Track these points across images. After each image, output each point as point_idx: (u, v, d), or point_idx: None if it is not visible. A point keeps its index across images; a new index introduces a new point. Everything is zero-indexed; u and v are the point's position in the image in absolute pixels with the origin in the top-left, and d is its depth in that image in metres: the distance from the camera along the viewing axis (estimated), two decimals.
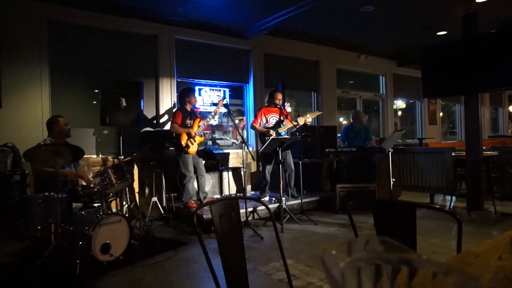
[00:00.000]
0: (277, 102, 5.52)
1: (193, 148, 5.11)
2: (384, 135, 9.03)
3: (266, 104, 5.73)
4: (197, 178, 5.27)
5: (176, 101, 6.05)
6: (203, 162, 5.38)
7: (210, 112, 5.81)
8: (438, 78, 5.74)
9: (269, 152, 5.03)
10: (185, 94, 5.27)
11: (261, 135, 5.57)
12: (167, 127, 5.85)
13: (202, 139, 5.32)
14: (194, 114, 5.29)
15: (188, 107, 5.22)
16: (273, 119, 5.59)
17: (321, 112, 6.15)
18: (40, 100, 4.97)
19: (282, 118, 5.58)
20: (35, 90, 4.95)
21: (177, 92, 6.14)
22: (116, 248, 3.34)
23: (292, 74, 7.44)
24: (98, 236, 3.21)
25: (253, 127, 5.73)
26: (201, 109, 6.25)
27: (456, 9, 5.77)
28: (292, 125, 5.42)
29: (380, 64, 9.10)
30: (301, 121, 5.31)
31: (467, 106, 5.75)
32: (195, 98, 5.40)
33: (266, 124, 5.56)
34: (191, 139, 5.08)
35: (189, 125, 5.15)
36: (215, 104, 5.23)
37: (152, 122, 5.87)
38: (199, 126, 5.18)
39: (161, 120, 5.96)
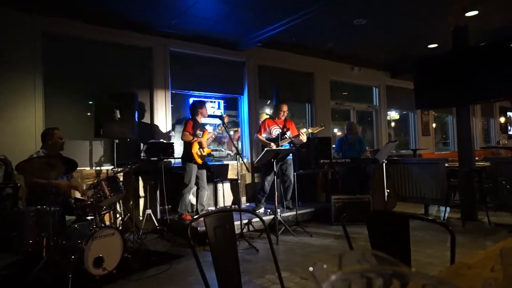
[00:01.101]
0: (282, 114, 5.57)
1: (201, 159, 5.16)
2: (378, 146, 9.09)
3: (272, 116, 5.80)
4: (197, 189, 5.26)
5: (171, 113, 6.07)
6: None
7: (205, 124, 5.84)
8: (430, 90, 5.82)
9: (270, 164, 5.02)
10: (198, 105, 5.34)
11: (263, 147, 5.57)
12: (172, 139, 5.86)
13: (209, 150, 5.41)
14: (203, 126, 5.37)
15: (199, 118, 5.28)
16: (276, 130, 5.61)
17: (323, 128, 5.74)
18: (33, 112, 4.95)
19: (285, 130, 5.60)
20: (29, 101, 4.93)
21: (171, 104, 6.16)
22: (109, 261, 3.29)
23: (287, 86, 7.51)
24: (91, 250, 3.17)
25: (258, 139, 5.73)
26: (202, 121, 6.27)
27: (446, 22, 5.89)
28: (295, 138, 5.44)
29: (374, 75, 9.21)
30: (303, 138, 5.36)
31: (459, 117, 5.83)
32: (206, 110, 5.47)
33: (269, 136, 5.59)
34: (201, 149, 5.13)
35: (199, 136, 5.21)
36: (219, 117, 5.23)
37: (147, 133, 5.86)
38: (207, 139, 5.22)
39: (156, 132, 5.96)
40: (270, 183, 5.57)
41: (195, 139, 5.13)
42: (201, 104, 5.38)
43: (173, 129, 6.26)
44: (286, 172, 5.60)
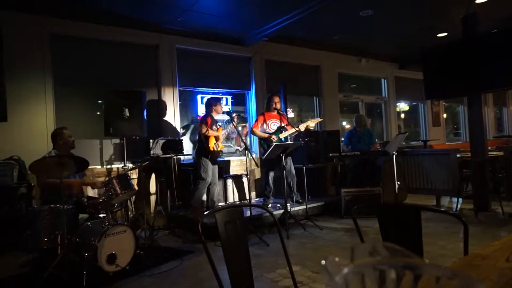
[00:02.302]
0: (275, 106, 5.52)
1: (217, 154, 5.21)
2: (387, 138, 9.00)
3: (266, 110, 5.73)
4: (209, 185, 5.29)
5: (179, 110, 6.10)
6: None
7: (217, 120, 5.86)
8: (440, 80, 5.73)
9: (271, 159, 5.02)
10: (213, 102, 5.35)
11: (262, 141, 5.55)
12: (181, 136, 5.89)
13: (223, 147, 5.45)
14: (217, 122, 5.40)
15: (214, 115, 5.31)
16: (274, 124, 5.58)
17: (321, 119, 6.17)
18: (44, 113, 5.02)
19: (283, 124, 5.57)
20: (40, 103, 5.00)
21: (179, 101, 6.19)
22: (122, 258, 3.34)
23: (294, 80, 7.46)
24: (104, 247, 3.22)
25: (252, 132, 5.67)
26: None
27: (456, 10, 5.78)
28: (293, 131, 5.44)
29: (382, 67, 9.11)
30: (302, 127, 5.31)
31: (470, 107, 5.73)
32: (222, 107, 5.50)
33: (267, 130, 5.54)
34: (217, 143, 5.19)
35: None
36: (227, 113, 5.25)
37: (156, 131, 5.89)
38: (222, 134, 5.28)
39: (165, 129, 5.99)
40: (272, 177, 5.56)
41: (214, 133, 5.17)
42: (216, 101, 5.41)
43: (181, 126, 6.28)
44: (286, 166, 5.52)
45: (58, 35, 5.19)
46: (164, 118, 6.01)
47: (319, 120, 5.88)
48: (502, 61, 4.93)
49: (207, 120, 5.18)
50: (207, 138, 5.14)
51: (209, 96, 5.94)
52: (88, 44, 5.46)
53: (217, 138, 5.20)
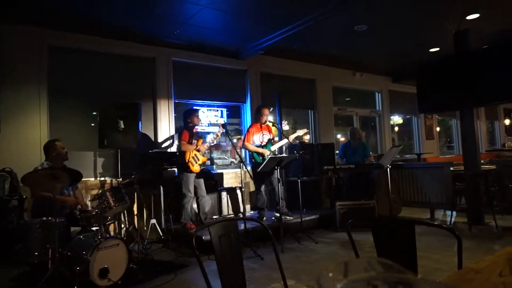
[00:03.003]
0: (264, 118, 5.53)
1: (196, 167, 5.13)
2: (382, 151, 9.06)
3: (255, 121, 5.70)
4: (197, 199, 5.24)
5: (174, 123, 6.11)
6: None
7: (208, 133, 5.82)
8: (433, 94, 5.81)
9: (261, 172, 4.99)
10: (187, 114, 5.32)
11: (254, 154, 5.52)
12: (173, 148, 5.88)
13: (205, 159, 5.35)
14: (197, 135, 5.35)
15: (193, 128, 5.29)
16: (265, 136, 5.59)
17: (307, 130, 6.18)
18: (38, 124, 4.99)
19: (271, 137, 5.59)
20: (34, 114, 4.98)
21: (175, 113, 6.20)
22: (114, 272, 3.29)
23: (289, 93, 7.52)
24: (96, 261, 3.17)
25: (245, 146, 5.58)
26: (199, 129, 6.28)
27: (448, 26, 5.90)
28: (284, 142, 5.47)
29: (376, 80, 9.22)
30: (291, 138, 5.34)
31: (463, 121, 5.80)
32: (198, 118, 5.45)
33: (257, 143, 5.53)
34: (196, 157, 5.11)
35: (194, 145, 5.20)
36: (223, 125, 5.21)
37: (150, 143, 5.88)
38: (203, 146, 5.23)
39: (160, 141, 5.98)
40: (264, 190, 5.53)
41: (192, 147, 5.09)
42: (193, 113, 5.34)
43: (177, 138, 6.28)
44: (272, 179, 5.51)
45: (54, 46, 5.21)
46: (159, 130, 6.01)
47: (306, 131, 5.85)
48: (493, 76, 5.02)
49: (184, 134, 5.13)
50: (183, 152, 5.10)
51: (188, 108, 5.82)
52: (84, 55, 5.47)
53: (198, 151, 5.11)
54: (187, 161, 5.04)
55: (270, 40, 6.04)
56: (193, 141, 5.19)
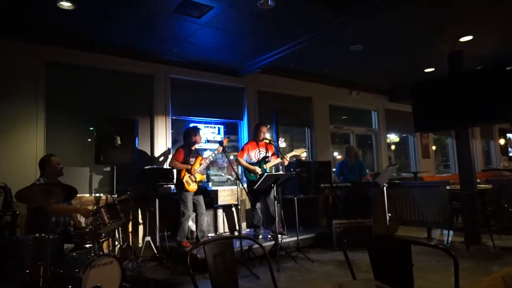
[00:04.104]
0: (262, 136, 5.56)
1: (193, 186, 5.10)
2: (378, 169, 9.07)
3: (253, 138, 5.75)
4: (196, 216, 5.19)
5: (171, 139, 6.12)
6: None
7: (205, 149, 5.82)
8: (428, 113, 5.87)
9: (256, 189, 4.98)
10: (191, 132, 5.31)
11: (246, 171, 5.54)
12: (165, 165, 5.86)
13: (203, 177, 5.31)
14: (196, 152, 5.35)
15: (193, 145, 5.28)
16: (261, 153, 5.60)
17: (305, 150, 6.15)
18: (35, 139, 4.98)
19: (268, 154, 5.60)
20: (30, 129, 4.98)
21: (172, 130, 6.21)
22: None
23: (286, 111, 7.58)
24: (88, 279, 3.10)
25: (237, 161, 5.65)
26: (196, 146, 6.28)
27: (442, 47, 6.02)
28: (277, 161, 5.47)
29: (372, 99, 9.32)
30: (287, 158, 5.33)
31: (458, 140, 5.85)
32: (200, 137, 5.45)
33: (253, 160, 5.54)
34: (192, 176, 5.09)
35: (191, 163, 5.17)
36: (219, 143, 5.22)
37: (147, 159, 5.87)
38: (200, 164, 5.21)
39: (156, 158, 5.96)
40: (260, 208, 5.51)
41: (182, 166, 5.07)
42: (195, 131, 5.34)
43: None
44: (269, 196, 5.48)
45: (53, 62, 5.25)
46: (156, 147, 6.01)
47: (304, 150, 5.84)
48: (488, 97, 5.09)
49: (178, 153, 5.13)
50: (179, 170, 5.10)
51: (189, 126, 5.87)
52: (83, 71, 5.51)
53: (189, 171, 5.09)
54: (183, 180, 5.03)
55: (267, 59, 6.12)
56: (190, 159, 5.18)
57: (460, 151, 5.81)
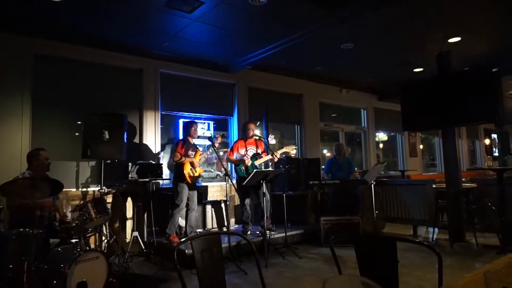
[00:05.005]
0: (251, 133, 5.57)
1: (193, 179, 5.13)
2: (366, 167, 9.15)
3: (241, 137, 5.75)
4: (187, 211, 5.18)
5: (160, 134, 6.08)
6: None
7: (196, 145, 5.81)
8: (416, 113, 5.94)
9: (245, 185, 4.99)
10: (189, 126, 5.34)
11: (237, 167, 5.54)
12: (155, 160, 5.82)
13: (201, 171, 5.37)
14: (195, 146, 5.36)
15: (191, 139, 5.28)
16: (251, 151, 5.60)
17: (295, 147, 6.13)
18: (20, 133, 4.88)
19: (258, 151, 5.61)
20: (16, 122, 4.88)
21: (161, 125, 6.16)
22: (93, 286, 3.19)
23: (276, 107, 7.59)
24: (74, 275, 3.07)
25: (228, 160, 5.71)
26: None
27: (431, 48, 6.09)
28: (267, 158, 5.49)
29: (361, 98, 9.39)
30: (277, 154, 5.33)
31: (445, 139, 5.94)
32: (196, 131, 5.45)
33: (244, 157, 5.55)
34: (193, 169, 5.11)
35: (192, 156, 5.18)
36: (209, 139, 5.19)
37: (135, 154, 5.81)
38: (199, 159, 5.21)
39: (145, 153, 5.91)
40: (249, 204, 5.53)
41: (186, 159, 5.10)
42: (192, 125, 5.38)
43: (162, 150, 6.22)
44: (263, 191, 5.49)
45: (41, 55, 5.15)
46: (145, 142, 5.95)
47: (294, 147, 5.85)
48: (474, 97, 5.17)
49: (179, 145, 5.15)
50: (181, 164, 5.10)
51: (187, 120, 5.89)
52: (71, 65, 5.42)
53: (192, 164, 5.14)
54: (185, 173, 5.04)
55: (258, 55, 6.11)
56: (190, 152, 5.19)
57: (447, 151, 5.91)
